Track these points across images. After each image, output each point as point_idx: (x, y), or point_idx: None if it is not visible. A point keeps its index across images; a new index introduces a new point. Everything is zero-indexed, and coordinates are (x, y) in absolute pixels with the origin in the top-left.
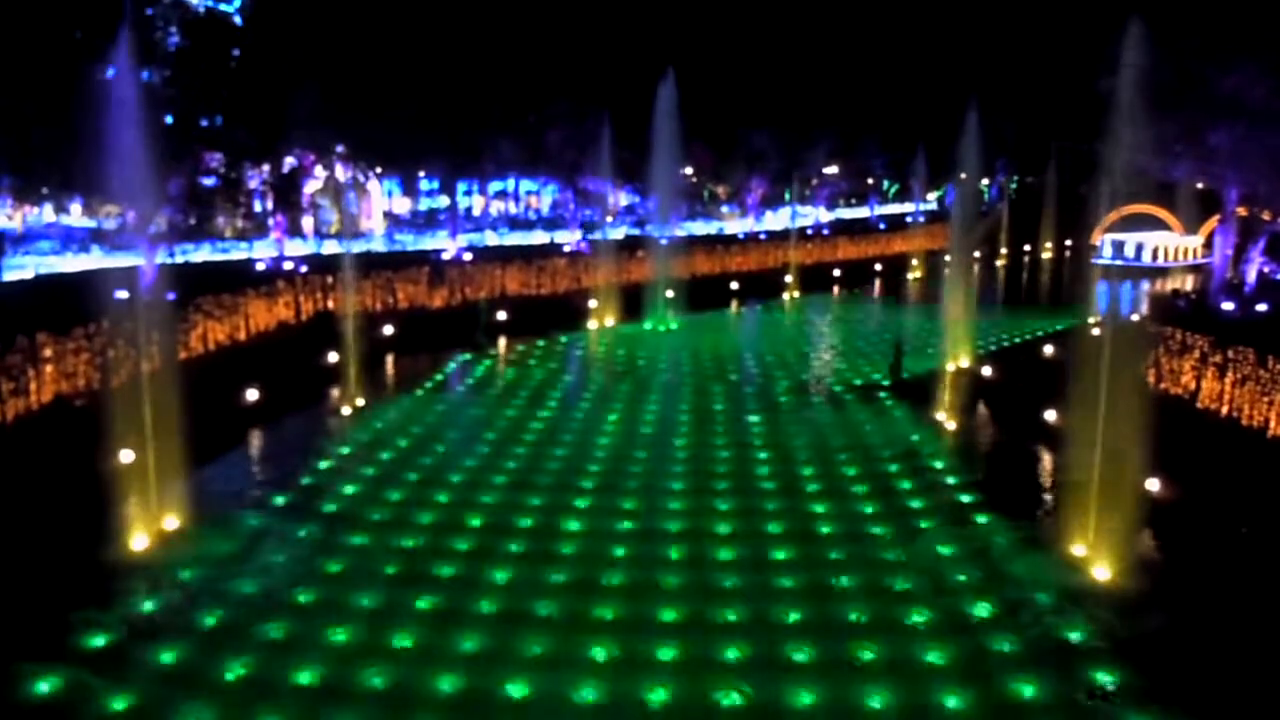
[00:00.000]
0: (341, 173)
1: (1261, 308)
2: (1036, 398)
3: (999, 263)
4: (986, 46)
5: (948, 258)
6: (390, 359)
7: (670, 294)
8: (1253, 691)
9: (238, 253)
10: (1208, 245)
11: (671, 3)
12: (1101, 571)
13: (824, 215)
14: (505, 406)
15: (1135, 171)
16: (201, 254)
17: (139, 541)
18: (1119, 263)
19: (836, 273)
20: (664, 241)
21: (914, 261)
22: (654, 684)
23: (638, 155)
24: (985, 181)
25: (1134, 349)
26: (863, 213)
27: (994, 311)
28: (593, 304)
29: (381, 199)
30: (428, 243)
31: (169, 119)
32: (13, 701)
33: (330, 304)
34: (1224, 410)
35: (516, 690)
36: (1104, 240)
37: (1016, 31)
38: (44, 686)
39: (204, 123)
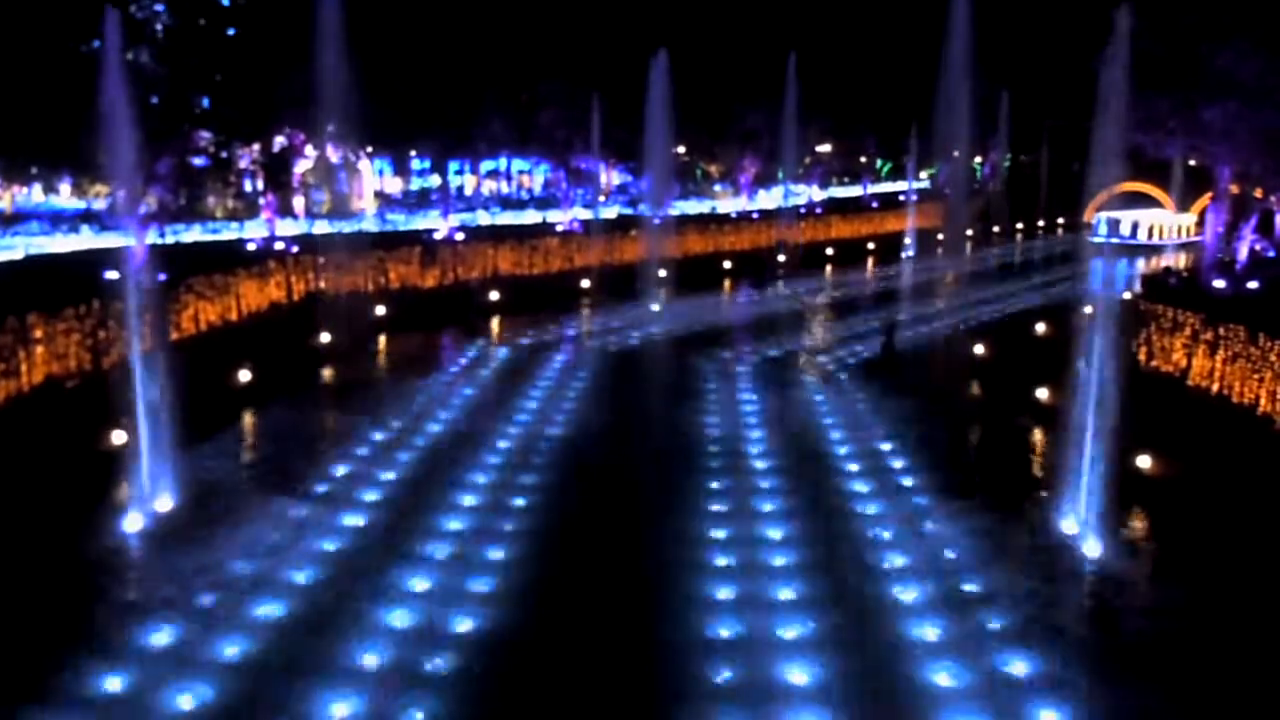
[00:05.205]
0: (332, 152)
1: (1253, 285)
2: (1027, 375)
3: (992, 241)
4: (980, 24)
5: (941, 236)
6: (383, 339)
7: (663, 273)
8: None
9: (228, 233)
10: (1200, 223)
11: None
12: (1092, 548)
13: (817, 194)
14: (498, 386)
15: (1128, 149)
16: (192, 234)
17: (132, 523)
18: (1114, 240)
19: (830, 251)
20: (656, 221)
21: (907, 240)
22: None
23: (630, 134)
24: (979, 160)
25: (1126, 327)
26: (856, 191)
27: (987, 288)
28: (586, 284)
29: (373, 178)
30: (420, 222)
31: (157, 98)
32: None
33: (322, 284)
34: (1214, 388)
35: None
36: (1098, 218)
37: (1010, 9)
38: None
39: (193, 101)
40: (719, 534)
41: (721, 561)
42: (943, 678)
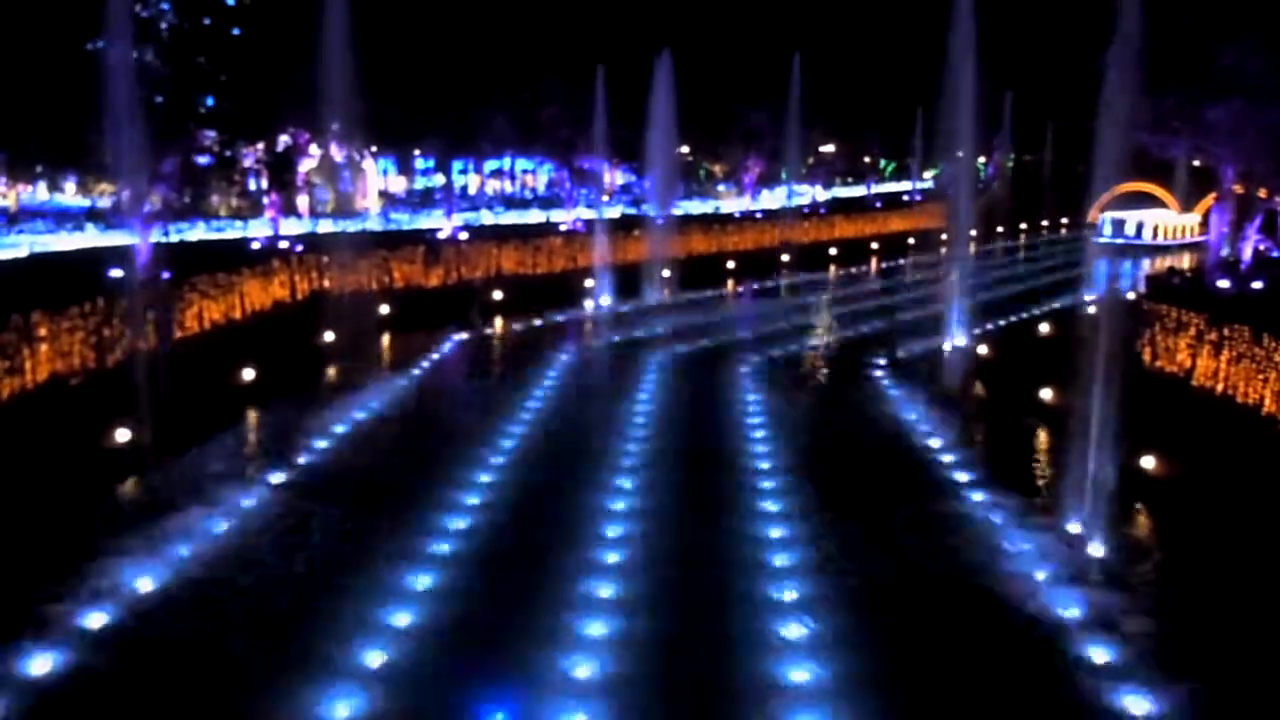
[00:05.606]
0: (337, 151)
1: (1257, 285)
2: (1031, 375)
3: (996, 241)
4: (984, 23)
5: (944, 236)
6: (387, 338)
7: (666, 273)
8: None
9: (233, 232)
10: (1204, 223)
11: None
12: (1096, 547)
13: (821, 194)
14: (501, 384)
15: (1132, 149)
16: (196, 233)
17: (136, 519)
18: (1119, 241)
19: (833, 251)
20: (660, 221)
21: (910, 240)
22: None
23: (634, 133)
24: (982, 160)
25: (1130, 327)
26: (859, 191)
27: (991, 289)
28: (589, 283)
29: (377, 178)
30: (423, 222)
31: (161, 97)
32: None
33: (326, 283)
34: (1219, 388)
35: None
36: (1103, 219)
37: (1015, 8)
38: (40, 670)
39: (198, 100)
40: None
41: None
42: None
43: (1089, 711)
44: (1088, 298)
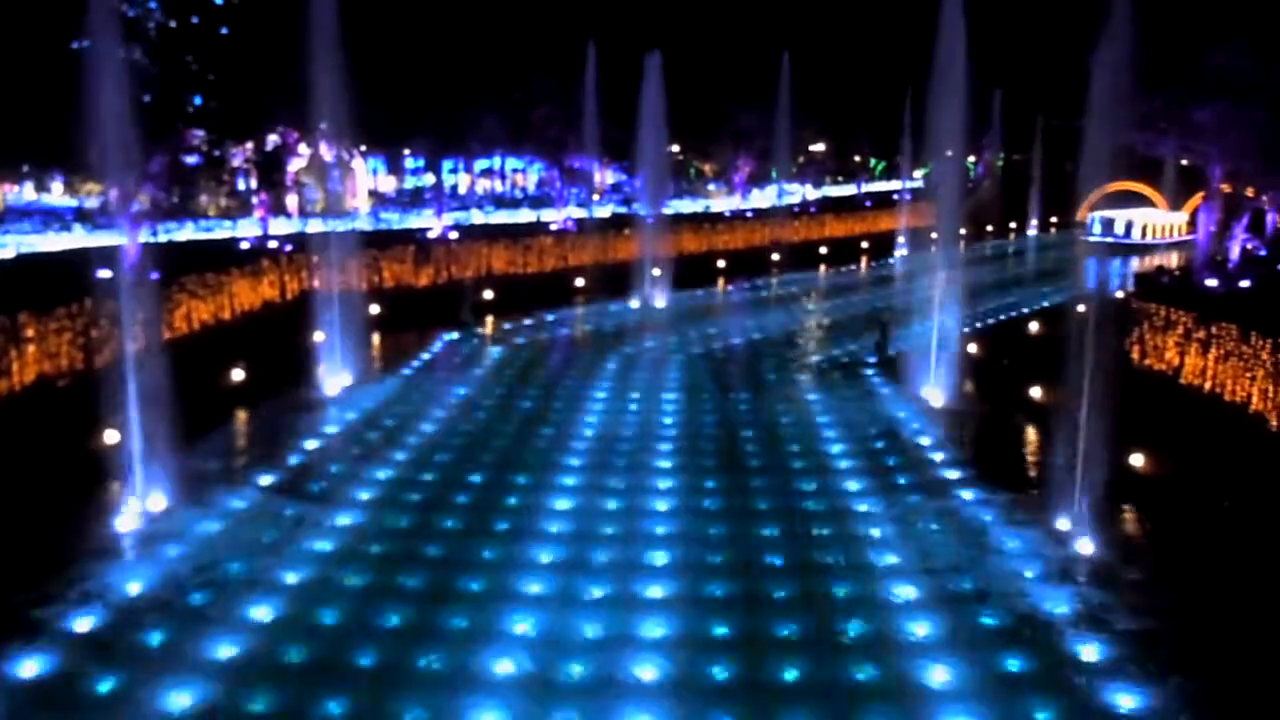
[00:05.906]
0: (326, 151)
1: (1245, 284)
2: (1021, 374)
3: (986, 240)
4: (973, 22)
5: (934, 235)
6: (377, 338)
7: (657, 272)
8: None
9: (222, 231)
10: (1192, 222)
11: None
12: (1085, 545)
13: (811, 193)
14: (492, 385)
15: (1121, 148)
16: (185, 233)
17: (124, 522)
18: (1108, 240)
19: (823, 250)
20: (650, 220)
21: (900, 239)
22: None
23: (625, 133)
24: (972, 159)
25: (1119, 325)
26: (849, 190)
27: (981, 288)
28: (580, 283)
29: (366, 177)
30: (413, 221)
31: (150, 96)
32: None
33: (315, 283)
34: (1207, 386)
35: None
36: (1093, 218)
37: (1004, 7)
38: (30, 672)
39: (186, 99)
40: None
41: None
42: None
43: None
44: (1076, 296)
